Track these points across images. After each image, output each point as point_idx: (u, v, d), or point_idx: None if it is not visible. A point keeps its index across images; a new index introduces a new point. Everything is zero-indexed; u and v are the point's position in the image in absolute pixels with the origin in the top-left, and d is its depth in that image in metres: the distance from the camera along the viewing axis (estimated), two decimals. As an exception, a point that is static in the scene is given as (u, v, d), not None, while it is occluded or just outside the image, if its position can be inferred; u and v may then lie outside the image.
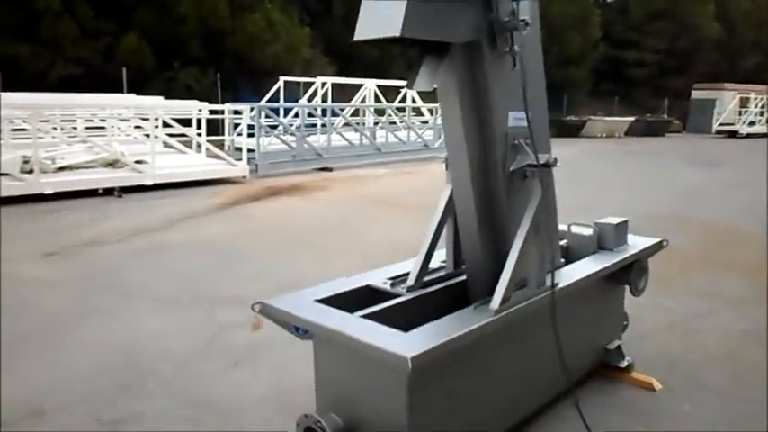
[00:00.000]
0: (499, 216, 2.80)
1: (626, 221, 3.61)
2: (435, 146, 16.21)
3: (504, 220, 2.79)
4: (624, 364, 3.57)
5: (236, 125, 14.04)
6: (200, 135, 12.83)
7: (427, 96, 16.12)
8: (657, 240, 3.73)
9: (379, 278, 3.01)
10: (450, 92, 2.58)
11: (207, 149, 12.29)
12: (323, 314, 2.53)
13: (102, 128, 12.80)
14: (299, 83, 18.60)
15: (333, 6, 26.71)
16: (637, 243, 3.64)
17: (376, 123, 16.81)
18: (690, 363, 3.84)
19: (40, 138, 9.90)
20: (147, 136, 11.30)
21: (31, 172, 9.02)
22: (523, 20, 2.53)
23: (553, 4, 29.41)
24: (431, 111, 17.59)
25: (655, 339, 4.19)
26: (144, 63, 20.07)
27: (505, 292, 2.55)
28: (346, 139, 14.88)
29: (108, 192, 9.49)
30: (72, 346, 3.99)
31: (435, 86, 2.51)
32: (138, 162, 10.33)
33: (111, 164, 10.37)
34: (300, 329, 2.59)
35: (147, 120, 11.37)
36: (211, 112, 13.94)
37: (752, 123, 29.01)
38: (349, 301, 2.70)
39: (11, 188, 8.58)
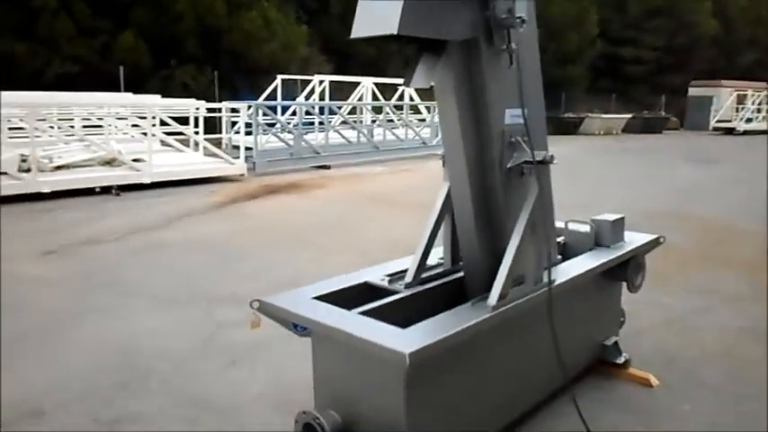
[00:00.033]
0: (496, 213, 2.81)
1: (623, 218, 3.62)
2: (433, 143, 16.23)
3: (501, 217, 2.80)
4: (621, 360, 3.58)
5: (234, 123, 14.03)
6: (197, 133, 12.82)
7: (425, 94, 16.14)
8: (654, 237, 3.74)
9: (376, 275, 3.02)
10: (447, 89, 2.59)
11: (204, 148, 12.28)
12: (321, 311, 2.53)
13: (100, 126, 12.78)
14: (296, 81, 18.58)
15: (330, 4, 26.65)
16: (634, 239, 3.65)
17: (373, 121, 16.80)
18: (687, 359, 3.86)
19: (38, 136, 9.89)
20: (145, 134, 11.29)
21: (28, 171, 9.01)
22: (520, 17, 2.53)
23: (552, 4, 29.40)
24: (428, 108, 17.60)
25: (652, 336, 4.21)
26: (141, 61, 20.02)
27: (503, 288, 2.56)
28: (344, 137, 14.89)
29: (105, 190, 9.48)
30: (70, 345, 3.99)
31: (432, 84, 2.51)
32: (135, 160, 10.32)
33: (109, 162, 10.36)
34: (299, 327, 2.60)
35: (144, 118, 11.36)
36: (209, 110, 13.92)
37: (749, 120, 29.05)
38: (347, 299, 2.71)
39: (8, 187, 8.57)
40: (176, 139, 12.31)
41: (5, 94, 9.62)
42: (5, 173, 8.80)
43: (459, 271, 3.11)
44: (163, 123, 12.02)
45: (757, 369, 3.72)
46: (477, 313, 2.49)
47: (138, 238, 6.88)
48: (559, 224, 3.54)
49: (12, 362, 3.67)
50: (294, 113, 15.30)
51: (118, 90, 17.14)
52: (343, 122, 15.71)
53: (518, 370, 2.92)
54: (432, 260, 3.10)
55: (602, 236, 3.52)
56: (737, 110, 29.66)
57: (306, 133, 14.17)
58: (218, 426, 3.06)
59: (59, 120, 12.02)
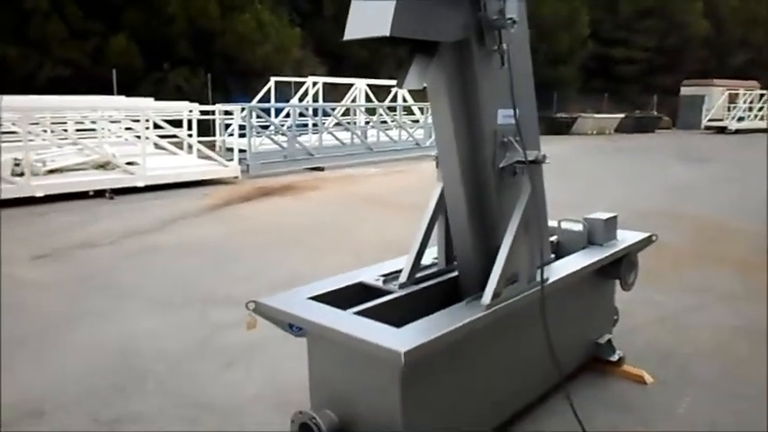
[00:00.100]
0: (489, 212, 2.83)
1: (615, 217, 3.64)
2: (426, 144, 16.26)
3: (494, 217, 2.82)
4: (615, 357, 3.61)
5: (228, 126, 14.02)
6: (191, 136, 12.81)
7: (418, 95, 16.17)
8: (647, 235, 3.78)
9: (371, 275, 3.04)
10: (439, 90, 2.61)
11: (198, 150, 12.27)
12: (316, 311, 2.55)
13: (93, 130, 12.75)
14: (290, 83, 18.59)
15: (323, 6, 26.68)
16: (626, 238, 3.68)
17: (367, 123, 16.82)
18: (681, 356, 3.89)
19: (31, 140, 9.87)
20: (138, 137, 11.28)
21: (21, 175, 8.99)
22: (511, 18, 2.56)
23: (543, 5, 29.51)
24: (421, 109, 17.63)
25: (646, 333, 4.24)
26: (133, 64, 19.99)
27: (496, 287, 2.58)
28: (338, 139, 14.90)
29: (99, 194, 9.47)
30: (67, 348, 3.99)
31: (425, 85, 2.53)
32: (129, 164, 10.31)
33: (103, 166, 10.34)
34: (294, 327, 2.61)
35: (137, 121, 11.35)
36: (202, 112, 13.92)
37: (740, 119, 29.24)
38: (342, 299, 2.73)
39: (2, 191, 8.54)
40: (170, 142, 12.30)
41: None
42: (-1, 177, 8.78)
43: (453, 270, 3.13)
44: (156, 126, 12.02)
45: (751, 367, 3.75)
46: (471, 312, 2.51)
47: (133, 241, 6.88)
48: (552, 223, 3.56)
49: (10, 364, 3.67)
50: (288, 115, 15.30)
51: (110, 93, 17.12)
52: (337, 124, 15.72)
53: (513, 368, 2.94)
54: (426, 260, 3.11)
55: (594, 234, 3.54)
56: (729, 109, 29.84)
57: (299, 135, 14.18)
58: (216, 427, 3.06)
59: (52, 123, 11.99)
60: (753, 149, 19.39)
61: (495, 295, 2.57)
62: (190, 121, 13.28)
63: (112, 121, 13.09)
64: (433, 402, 2.47)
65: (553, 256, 3.36)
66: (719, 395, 3.42)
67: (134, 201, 9.31)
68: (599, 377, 3.56)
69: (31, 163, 9.12)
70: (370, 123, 16.58)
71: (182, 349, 3.96)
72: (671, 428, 3.08)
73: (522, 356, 2.98)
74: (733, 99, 29.96)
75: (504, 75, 2.62)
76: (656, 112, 32.33)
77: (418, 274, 3.02)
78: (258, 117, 13.91)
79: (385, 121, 16.76)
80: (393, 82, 16.91)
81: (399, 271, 3.01)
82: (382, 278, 3.00)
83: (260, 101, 16.29)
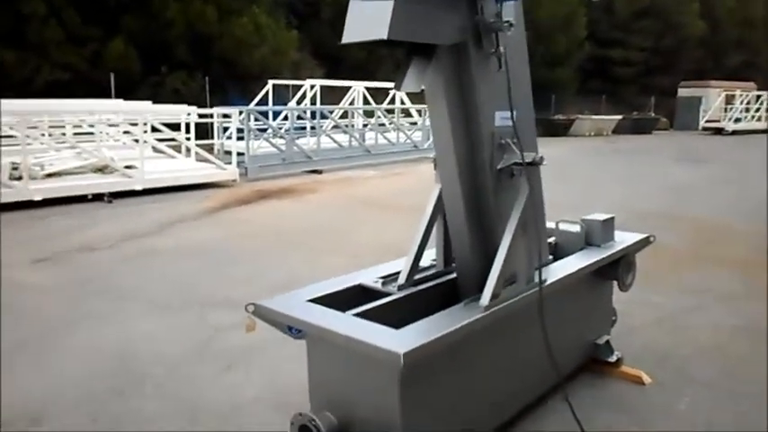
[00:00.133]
0: (487, 214, 2.84)
1: (613, 218, 3.66)
2: (424, 147, 16.28)
3: (492, 218, 2.83)
4: (613, 358, 3.62)
5: (226, 129, 14.03)
6: (189, 139, 12.81)
7: (416, 97, 16.18)
8: (644, 236, 3.79)
9: (370, 277, 3.05)
10: (437, 93, 2.62)
11: (196, 153, 12.27)
12: (315, 313, 2.56)
13: (91, 133, 12.73)
14: (287, 86, 18.60)
15: (320, 9, 26.73)
16: (624, 239, 3.69)
17: (365, 125, 16.84)
18: (679, 357, 3.90)
19: (29, 144, 9.86)
20: (136, 141, 11.28)
21: (20, 179, 8.99)
22: (508, 21, 2.57)
23: (540, 7, 29.58)
24: (419, 112, 17.66)
25: (644, 334, 4.25)
26: (131, 68, 19.99)
27: (495, 288, 2.59)
28: (336, 142, 14.91)
29: (98, 197, 9.46)
30: (66, 351, 3.99)
31: (423, 88, 2.54)
32: (127, 167, 10.30)
33: (101, 169, 10.34)
34: (293, 329, 2.62)
35: (135, 125, 11.34)
36: (200, 116, 13.92)
37: (737, 120, 29.31)
38: (341, 301, 2.74)
39: (0, 195, 8.53)
40: (168, 146, 12.30)
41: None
42: (-3, 181, 8.78)
43: (451, 272, 3.14)
44: (154, 130, 12.01)
45: (750, 366, 3.77)
46: (469, 313, 2.52)
47: (132, 244, 6.88)
48: (550, 224, 3.58)
49: (10, 368, 3.67)
50: (286, 118, 15.31)
51: (108, 97, 17.12)
52: (335, 127, 15.73)
53: (511, 369, 2.95)
54: (424, 262, 3.12)
55: (592, 235, 3.56)
56: (726, 110, 29.92)
57: (297, 138, 14.19)
58: (215, 428, 3.07)
59: (50, 127, 11.98)
60: (749, 151, 19.45)
61: (494, 296, 2.59)
62: (188, 125, 13.28)
63: (110, 125, 13.09)
64: (433, 403, 2.48)
65: (551, 257, 3.37)
66: (718, 395, 3.43)
67: (132, 204, 9.31)
68: (597, 378, 3.57)
69: (29, 167, 9.12)
70: (368, 126, 16.59)
71: (181, 352, 3.97)
72: (669, 428, 3.09)
73: (521, 357, 2.99)
74: (730, 100, 30.02)
75: (502, 77, 2.64)
76: (653, 114, 32.38)
77: (417, 276, 3.03)
78: (256, 120, 13.92)
79: (383, 124, 16.78)
80: (391, 84, 16.90)
81: (398, 273, 3.02)
82: (381, 280, 3.01)
83: (258, 104, 16.29)
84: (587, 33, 34.67)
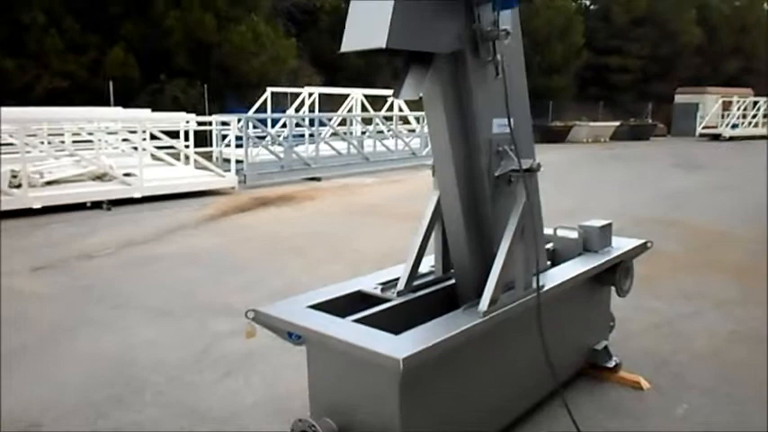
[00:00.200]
0: (485, 220, 2.87)
1: (610, 224, 3.68)
2: (423, 154, 16.32)
3: (490, 225, 2.86)
4: (612, 364, 3.64)
5: (224, 136, 14.06)
6: (188, 147, 12.83)
7: (414, 105, 16.23)
8: (641, 242, 3.81)
9: (369, 284, 3.07)
10: (435, 100, 2.65)
11: (195, 161, 12.29)
12: (315, 319, 2.57)
13: (90, 141, 12.78)
14: (286, 93, 18.64)
15: (319, 18, 26.85)
16: (621, 245, 3.71)
17: (363, 132, 16.88)
18: (677, 362, 3.92)
19: (28, 152, 9.88)
20: (135, 149, 11.30)
21: (19, 186, 9.00)
22: (505, 29, 2.60)
23: (537, 16, 29.71)
24: (417, 119, 17.71)
25: (642, 340, 4.26)
26: (130, 76, 20.06)
27: (493, 294, 2.61)
28: (334, 149, 14.94)
29: (97, 205, 9.47)
30: (66, 359, 4.00)
31: (421, 95, 2.57)
32: (126, 175, 10.32)
33: (100, 177, 10.36)
34: (293, 335, 2.63)
35: (134, 132, 11.37)
36: (199, 123, 13.95)
37: (734, 126, 29.41)
38: (340, 307, 2.76)
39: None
40: (167, 153, 12.32)
41: (-5, 110, 9.63)
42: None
43: (450, 278, 3.16)
44: (153, 137, 12.04)
45: (746, 371, 3.79)
46: (468, 319, 2.54)
47: (131, 251, 6.89)
48: (548, 230, 3.60)
49: (10, 375, 3.68)
50: (284, 126, 15.35)
51: (108, 105, 17.16)
52: (334, 134, 15.77)
53: (510, 374, 2.97)
54: (423, 268, 3.15)
55: (590, 241, 3.58)
56: (723, 116, 30.02)
57: (296, 145, 14.22)
58: (214, 436, 3.09)
59: (50, 135, 12.01)
60: (746, 157, 19.53)
61: (492, 302, 2.60)
62: (187, 132, 13.31)
63: (109, 133, 13.13)
64: (432, 409, 2.49)
65: (549, 263, 3.39)
66: (716, 399, 3.44)
67: (131, 212, 9.32)
68: (596, 383, 3.59)
69: (28, 174, 9.14)
70: (367, 133, 16.63)
71: (180, 359, 3.98)
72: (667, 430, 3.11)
73: (519, 363, 3.01)
74: (727, 106, 30.14)
75: (499, 85, 2.67)
76: (650, 120, 32.47)
77: (416, 282, 3.05)
78: (255, 128, 13.95)
79: (381, 131, 16.82)
80: (389, 91, 16.96)
81: (397, 279, 3.04)
82: (380, 286, 3.03)
83: (256, 111, 16.34)
84: (585, 41, 34.80)
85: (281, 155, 13.49)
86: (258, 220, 9.05)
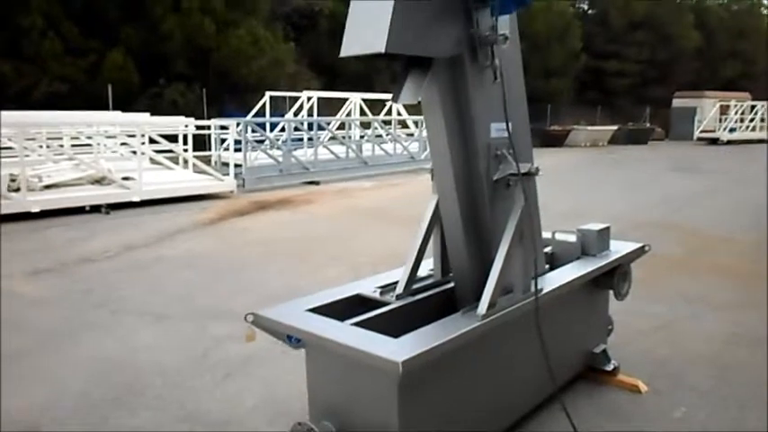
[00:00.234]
0: (484, 224, 2.88)
1: (608, 227, 3.69)
2: (421, 158, 16.35)
3: (488, 228, 2.87)
4: (610, 367, 3.65)
5: (223, 140, 14.08)
6: (186, 151, 12.85)
7: (412, 109, 16.26)
8: (639, 245, 3.82)
9: (368, 287, 3.07)
10: (433, 105, 2.66)
11: (194, 165, 12.31)
12: (314, 323, 2.58)
13: (89, 145, 12.78)
14: (285, 97, 18.67)
15: (317, 22, 26.90)
16: (619, 248, 3.72)
17: (362, 136, 16.91)
18: (675, 365, 3.93)
19: (27, 156, 9.89)
20: (134, 152, 11.31)
21: (17, 190, 9.00)
22: (503, 34, 2.62)
23: (536, 20, 29.80)
24: (416, 123, 17.74)
25: (641, 343, 4.27)
26: (129, 80, 20.07)
27: (491, 297, 2.62)
28: (333, 153, 14.96)
29: (95, 209, 9.47)
30: (66, 362, 4.00)
31: (420, 99, 2.59)
32: (125, 179, 10.33)
33: (99, 181, 10.36)
34: (293, 338, 2.64)
35: (133, 136, 11.38)
36: (198, 127, 13.96)
37: (732, 130, 29.49)
38: (339, 310, 2.76)
39: (-3, 207, 8.57)
40: (166, 157, 12.33)
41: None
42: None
43: (448, 282, 3.17)
44: (152, 141, 12.05)
45: (746, 373, 3.80)
46: (467, 322, 2.55)
47: (130, 255, 6.90)
48: (546, 234, 3.61)
49: (9, 379, 3.68)
50: (283, 130, 15.37)
51: (106, 109, 17.17)
52: (332, 138, 15.79)
53: (509, 377, 2.97)
54: (422, 271, 3.16)
55: (588, 245, 3.59)
56: (721, 120, 30.11)
57: (295, 149, 14.24)
58: (213, 439, 3.09)
59: (48, 139, 12.01)
60: (744, 160, 19.57)
61: (491, 306, 2.61)
62: (185, 136, 13.32)
63: (108, 137, 13.14)
64: (431, 412, 2.50)
65: (547, 266, 3.40)
66: (714, 401, 3.45)
67: (130, 216, 9.32)
68: (594, 386, 3.59)
69: (27, 178, 9.14)
70: (365, 137, 16.66)
71: (180, 362, 3.98)
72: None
73: (518, 366, 3.02)
74: (724, 110, 30.23)
75: (497, 89, 2.69)
76: (648, 124, 32.58)
77: (414, 286, 3.06)
78: (253, 131, 13.97)
79: (380, 135, 16.84)
80: (388, 96, 16.97)
81: (396, 282, 3.05)
82: (379, 290, 3.03)
83: (255, 115, 16.36)
84: (583, 45, 34.91)
85: (280, 159, 13.51)
86: (257, 223, 9.06)
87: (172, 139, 12.91)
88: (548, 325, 2.81)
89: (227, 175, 11.85)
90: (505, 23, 2.68)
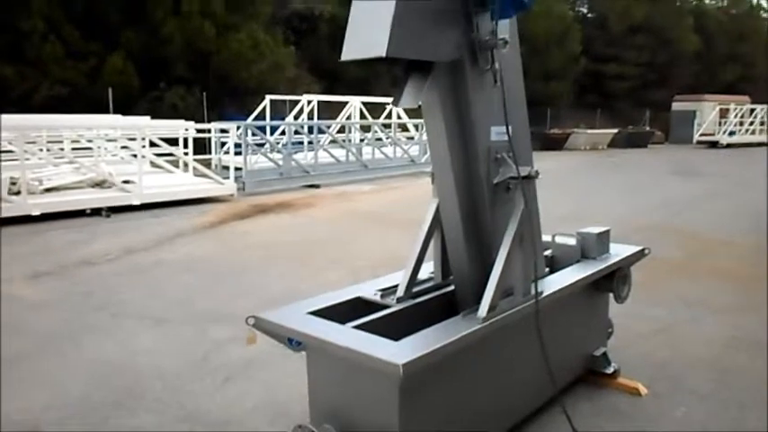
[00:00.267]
0: (484, 227, 2.89)
1: (608, 230, 3.70)
2: (421, 161, 16.36)
3: (489, 231, 2.88)
4: (610, 370, 3.65)
5: (223, 144, 14.10)
6: (186, 154, 12.87)
7: (412, 112, 16.27)
8: (639, 249, 3.83)
9: (369, 290, 3.08)
10: (434, 108, 2.68)
11: (194, 168, 12.32)
12: (315, 325, 2.59)
13: (90, 148, 12.80)
14: (285, 101, 18.69)
15: (318, 26, 26.95)
16: (619, 251, 3.73)
17: (362, 140, 16.92)
18: (675, 368, 3.93)
19: (27, 159, 9.90)
20: (135, 156, 11.32)
21: (18, 193, 9.01)
22: (503, 38, 2.64)
23: (535, 23, 29.85)
24: (416, 126, 17.76)
25: (641, 346, 4.28)
26: (129, 83, 20.10)
27: (492, 300, 2.63)
28: (333, 156, 14.97)
29: (96, 212, 9.48)
30: (66, 365, 4.01)
31: (420, 103, 2.60)
32: (125, 182, 10.34)
33: (99, 184, 10.38)
34: (294, 341, 2.64)
35: (133, 140, 11.40)
36: (198, 131, 13.98)
37: (732, 133, 29.53)
38: (340, 313, 2.77)
39: (-1, 210, 8.57)
40: (166, 161, 12.35)
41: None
42: (-2, 196, 8.81)
43: (449, 285, 3.18)
44: (152, 145, 12.07)
45: (746, 377, 3.80)
46: (467, 325, 2.56)
47: (131, 258, 6.90)
48: (546, 237, 3.62)
49: (9, 382, 3.68)
50: (283, 133, 15.39)
51: (107, 112, 17.19)
52: (332, 141, 15.81)
53: (509, 380, 2.98)
54: (423, 274, 3.16)
55: (588, 248, 3.60)
56: (720, 124, 30.15)
57: (295, 153, 14.25)
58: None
59: (49, 142, 12.03)
60: (743, 164, 19.59)
61: (491, 308, 2.62)
62: (186, 140, 13.34)
63: (109, 140, 13.15)
64: (431, 414, 2.51)
65: (547, 269, 3.41)
66: (714, 404, 3.46)
67: (130, 219, 9.33)
68: (595, 389, 3.60)
69: (27, 182, 9.15)
70: (365, 140, 16.67)
71: (180, 365, 3.98)
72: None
73: (518, 369, 3.02)
74: (724, 114, 30.28)
75: (497, 93, 2.70)
76: (648, 128, 32.61)
77: (415, 289, 3.07)
78: (254, 135, 13.99)
79: (380, 139, 16.85)
80: (388, 99, 17.02)
81: (396, 285, 3.05)
82: (380, 293, 3.04)
83: (255, 119, 16.37)
84: (582, 49, 34.96)
85: (280, 162, 13.52)
86: (257, 227, 9.07)
87: (172, 142, 12.93)
88: (548, 328, 2.82)
89: (228, 178, 11.87)
90: (505, 27, 2.70)
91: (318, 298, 2.95)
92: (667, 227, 8.77)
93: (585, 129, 28.92)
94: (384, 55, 2.21)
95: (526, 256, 2.85)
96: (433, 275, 3.24)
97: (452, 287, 3.13)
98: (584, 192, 13.04)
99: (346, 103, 17.94)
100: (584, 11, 41.55)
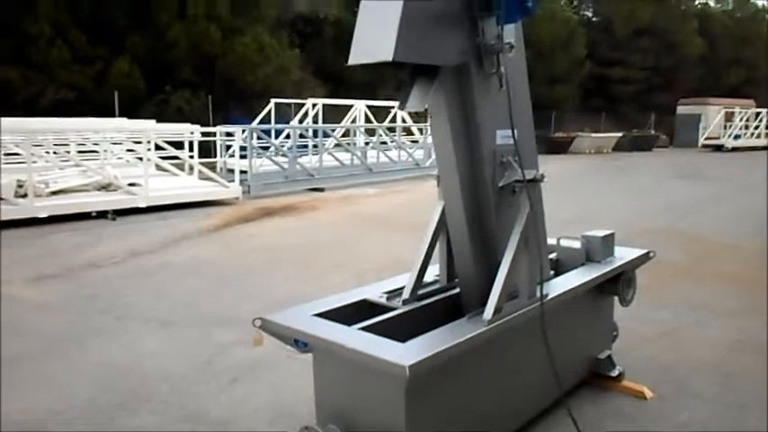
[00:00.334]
0: (489, 230, 2.90)
1: (613, 234, 3.71)
2: (426, 165, 16.36)
3: (494, 234, 2.89)
4: (615, 373, 3.66)
5: (228, 147, 14.14)
6: (192, 157, 12.91)
7: (417, 115, 16.30)
8: (644, 252, 3.84)
9: (374, 292, 3.10)
10: (440, 112, 2.70)
11: (199, 171, 12.35)
12: (322, 327, 2.61)
13: (95, 152, 12.85)
14: (290, 104, 18.73)
15: (323, 29, 27.00)
16: (624, 255, 3.74)
17: (367, 143, 16.94)
18: (680, 371, 3.93)
19: (34, 162, 9.95)
20: (140, 159, 11.37)
21: (24, 196, 9.06)
22: (508, 43, 2.65)
23: (541, 27, 29.86)
24: (421, 130, 17.76)
25: (646, 349, 4.28)
26: (135, 87, 20.18)
27: (497, 303, 2.64)
28: (338, 160, 14.99)
29: (102, 215, 9.52)
30: (71, 368, 4.03)
31: (426, 107, 2.62)
32: (131, 185, 10.39)
33: (105, 187, 10.42)
34: (300, 343, 2.66)
35: (139, 143, 11.45)
36: (203, 134, 14.03)
37: (737, 137, 29.47)
38: (346, 315, 2.79)
39: (5, 212, 8.60)
40: (171, 164, 12.39)
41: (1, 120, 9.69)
42: (2, 198, 8.85)
43: (454, 287, 3.19)
44: (158, 148, 12.11)
45: (750, 380, 3.80)
46: (473, 327, 2.57)
47: (136, 261, 6.93)
48: (551, 240, 3.63)
49: (15, 383, 3.70)
50: (288, 137, 15.42)
51: (113, 116, 17.26)
52: (337, 145, 15.83)
53: (514, 382, 2.99)
54: (428, 277, 3.18)
55: (592, 251, 3.61)
56: (725, 127, 30.09)
57: (300, 156, 14.28)
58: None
59: (55, 145, 12.09)
60: (749, 167, 19.54)
61: (496, 311, 2.64)
62: (191, 143, 13.39)
63: (114, 143, 13.21)
64: (437, 416, 2.52)
65: (552, 272, 3.42)
66: (718, 408, 3.46)
67: (136, 222, 9.37)
68: (599, 392, 3.60)
69: (33, 184, 9.20)
70: (370, 144, 16.69)
71: (186, 368, 4.00)
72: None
73: (524, 371, 3.03)
74: (729, 117, 30.22)
75: (503, 97, 2.71)
76: (653, 131, 32.56)
77: (421, 291, 3.08)
78: (259, 138, 14.02)
79: (384, 142, 16.88)
80: (392, 103, 17.07)
81: (402, 288, 3.07)
82: (386, 295, 3.06)
83: (260, 122, 16.41)
84: (587, 53, 34.94)
85: (285, 165, 13.55)
86: (262, 230, 9.09)
87: (177, 145, 12.99)
88: (553, 330, 2.83)
89: (233, 181, 11.90)
90: (511, 32, 2.71)
91: (324, 300, 2.97)
92: (672, 230, 8.76)
93: (590, 132, 28.87)
94: (390, 59, 2.23)
95: (531, 259, 2.86)
96: (438, 278, 3.26)
97: (458, 289, 3.15)
98: (589, 195, 13.03)
99: (351, 106, 17.97)
100: (589, 15, 41.55)
